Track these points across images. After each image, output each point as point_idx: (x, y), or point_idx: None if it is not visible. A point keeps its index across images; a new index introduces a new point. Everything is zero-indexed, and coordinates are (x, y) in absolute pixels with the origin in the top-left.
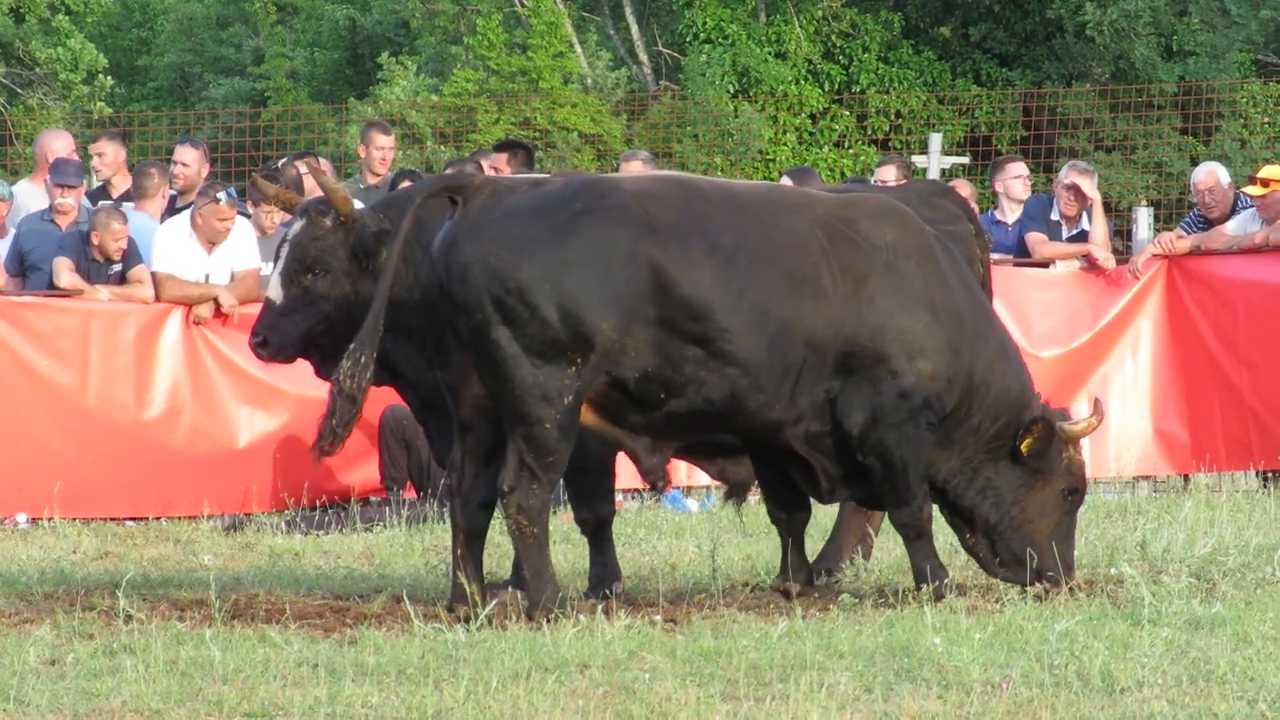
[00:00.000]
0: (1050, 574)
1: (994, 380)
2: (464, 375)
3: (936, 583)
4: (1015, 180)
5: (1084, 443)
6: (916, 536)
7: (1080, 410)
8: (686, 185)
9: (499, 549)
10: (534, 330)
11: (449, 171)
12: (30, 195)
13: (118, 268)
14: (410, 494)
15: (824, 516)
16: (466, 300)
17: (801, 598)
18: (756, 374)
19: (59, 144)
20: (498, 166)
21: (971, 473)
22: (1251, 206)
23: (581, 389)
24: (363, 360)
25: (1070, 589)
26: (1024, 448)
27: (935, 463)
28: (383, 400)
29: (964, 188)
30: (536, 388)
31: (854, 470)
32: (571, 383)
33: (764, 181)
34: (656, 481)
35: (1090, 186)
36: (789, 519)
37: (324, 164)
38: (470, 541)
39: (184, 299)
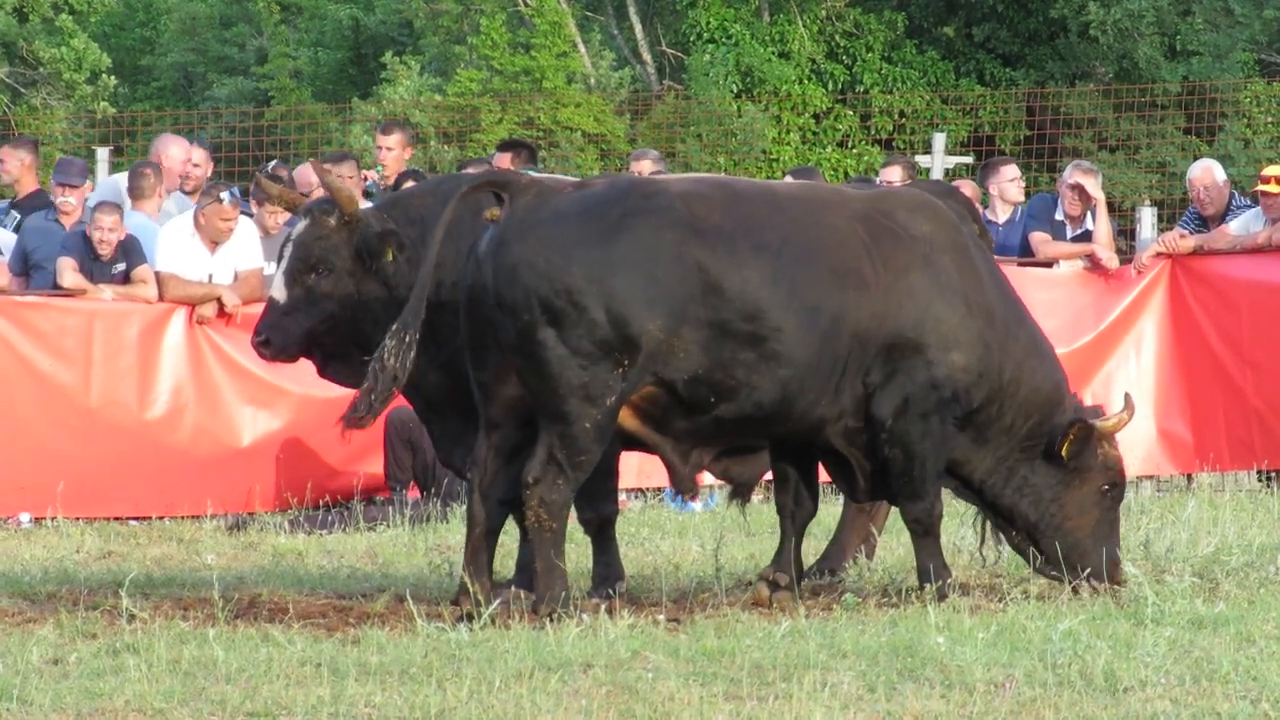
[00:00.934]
0: (1094, 573)
1: (1024, 378)
2: (500, 376)
3: (940, 582)
4: (1010, 183)
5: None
6: (925, 534)
7: (1115, 405)
8: (729, 186)
9: (501, 548)
10: (581, 331)
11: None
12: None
13: (121, 267)
14: (413, 494)
15: (827, 516)
16: (514, 301)
17: (787, 592)
18: (806, 373)
19: (175, 149)
20: (500, 166)
21: (1008, 472)
22: (1254, 206)
23: (625, 390)
24: (407, 339)
25: (1117, 586)
26: (1063, 452)
27: (970, 461)
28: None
29: (967, 187)
30: (581, 388)
31: (884, 467)
32: (616, 384)
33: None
34: (687, 490)
35: (1094, 186)
36: (796, 511)
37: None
38: (485, 538)
39: (187, 299)
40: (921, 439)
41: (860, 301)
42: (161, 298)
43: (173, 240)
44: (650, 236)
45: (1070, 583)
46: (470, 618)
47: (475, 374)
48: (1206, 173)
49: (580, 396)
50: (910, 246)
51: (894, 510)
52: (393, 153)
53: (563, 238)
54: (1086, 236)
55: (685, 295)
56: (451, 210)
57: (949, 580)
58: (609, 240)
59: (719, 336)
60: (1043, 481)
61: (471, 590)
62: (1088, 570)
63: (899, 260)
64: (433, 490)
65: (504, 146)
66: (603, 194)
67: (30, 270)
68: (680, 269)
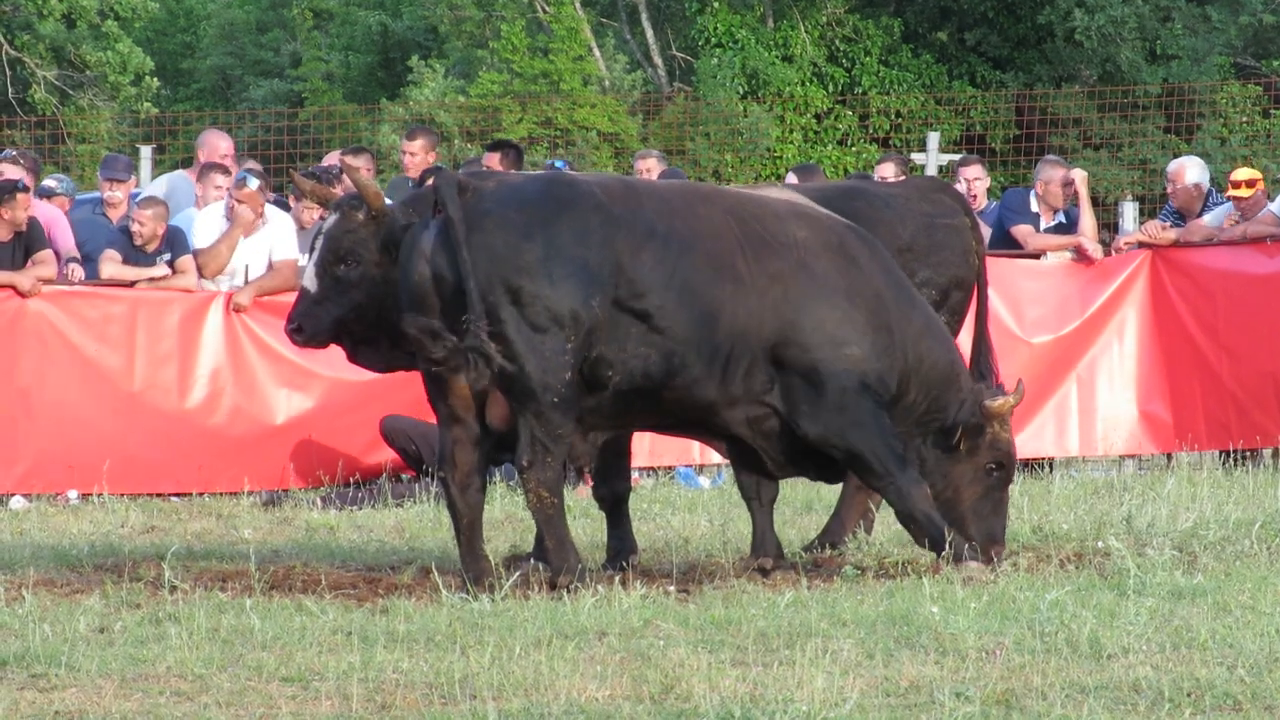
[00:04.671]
0: (970, 545)
1: (925, 356)
2: (452, 368)
3: (946, 545)
4: (978, 181)
5: (1072, 422)
6: (910, 519)
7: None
8: (627, 181)
9: (522, 523)
10: (538, 308)
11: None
12: (182, 187)
13: (166, 257)
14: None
15: (828, 493)
16: (478, 284)
17: (778, 571)
18: (687, 349)
19: (223, 144)
20: (489, 165)
21: (901, 445)
22: (1224, 202)
23: (576, 365)
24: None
25: (994, 563)
26: (962, 447)
27: None
28: (381, 408)
29: (974, 168)
30: (541, 363)
31: (799, 451)
32: (570, 358)
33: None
34: (584, 466)
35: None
36: (759, 493)
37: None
38: (471, 526)
39: (220, 267)
40: (850, 429)
41: (735, 295)
42: (202, 275)
43: (207, 226)
44: (582, 220)
45: (941, 555)
46: (492, 589)
47: (426, 367)
48: (1180, 168)
49: (541, 370)
50: (782, 252)
51: None
52: (416, 158)
53: (515, 223)
54: (1060, 229)
55: (609, 275)
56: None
57: (952, 540)
58: (552, 224)
59: (618, 314)
60: (932, 456)
61: (489, 566)
62: (969, 543)
63: (772, 264)
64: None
65: (493, 147)
66: (535, 184)
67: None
68: (604, 251)
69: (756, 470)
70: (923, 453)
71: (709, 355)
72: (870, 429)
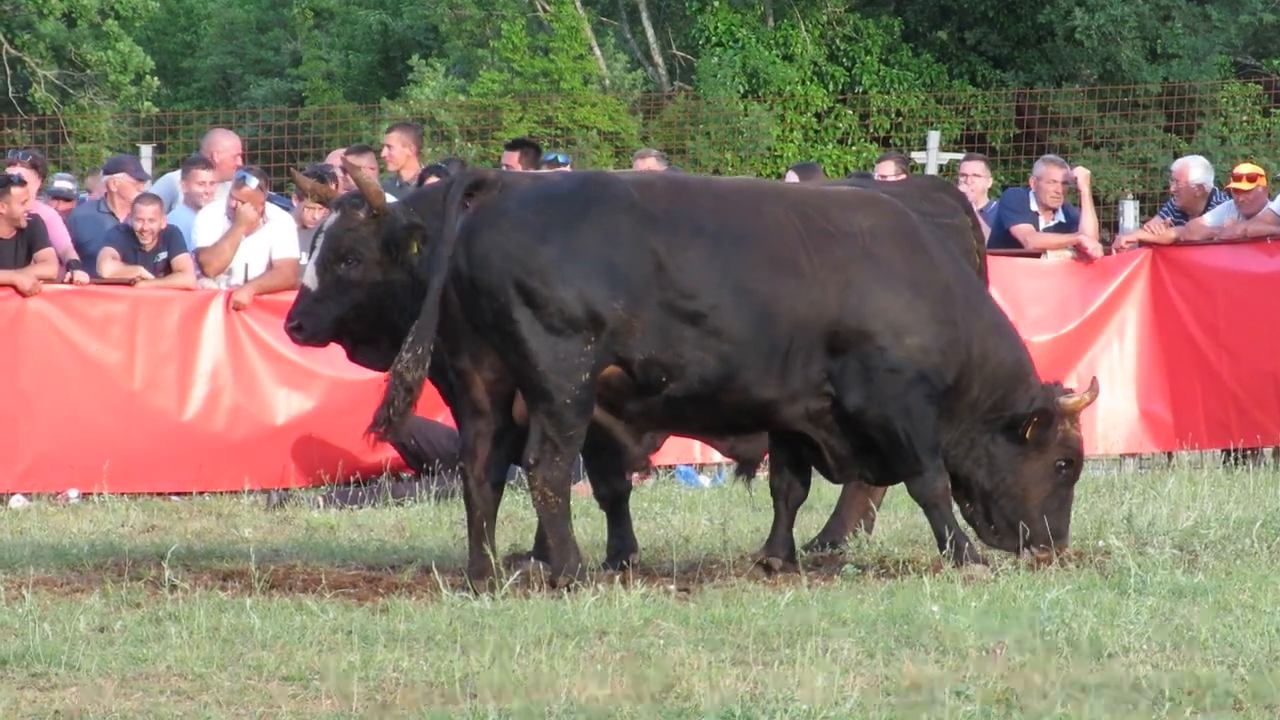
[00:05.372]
0: (1040, 543)
1: (989, 354)
2: (477, 361)
3: (958, 545)
4: (977, 178)
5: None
6: (933, 506)
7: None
8: (674, 178)
9: (522, 523)
10: (552, 310)
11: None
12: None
13: (164, 255)
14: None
15: (829, 492)
16: (489, 284)
17: (784, 572)
18: (746, 351)
19: (228, 143)
20: (509, 164)
21: (970, 442)
22: (1228, 200)
23: (596, 367)
24: (420, 352)
25: (1060, 559)
26: (1027, 435)
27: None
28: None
29: (976, 164)
30: (557, 364)
31: (861, 447)
32: (588, 360)
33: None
34: (641, 469)
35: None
36: (788, 494)
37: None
38: (484, 520)
39: (223, 264)
40: (898, 419)
41: (796, 289)
42: (203, 274)
43: (208, 225)
44: (609, 220)
45: (1017, 553)
46: (492, 587)
47: (452, 362)
48: (1184, 167)
49: (556, 371)
50: (846, 242)
51: (892, 486)
52: (393, 150)
53: (532, 223)
54: (1060, 228)
55: (642, 277)
56: (452, 221)
57: (967, 544)
58: (574, 224)
59: (667, 316)
60: (1000, 454)
61: (492, 562)
62: (1028, 537)
63: (835, 254)
64: (457, 467)
65: (512, 146)
66: (563, 184)
67: (84, 259)
68: (636, 251)
69: (820, 469)
70: (991, 449)
71: (768, 353)
72: (916, 418)
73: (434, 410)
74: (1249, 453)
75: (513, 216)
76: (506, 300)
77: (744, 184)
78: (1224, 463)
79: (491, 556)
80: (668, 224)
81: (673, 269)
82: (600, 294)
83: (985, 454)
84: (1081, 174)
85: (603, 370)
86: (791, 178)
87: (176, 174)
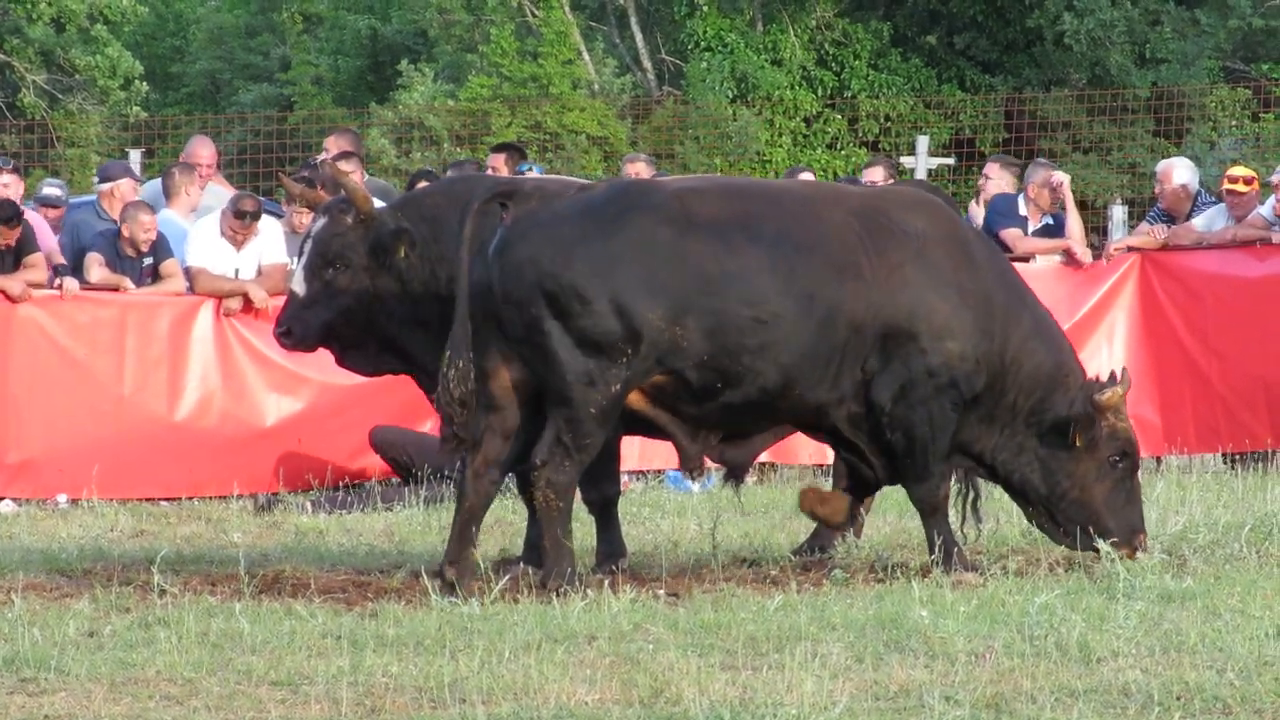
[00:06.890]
0: (1113, 539)
1: (1025, 359)
2: (503, 359)
3: (949, 550)
4: (989, 180)
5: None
6: (932, 512)
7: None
8: (728, 183)
9: (511, 528)
10: (585, 323)
11: (451, 174)
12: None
13: (149, 261)
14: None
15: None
16: (521, 297)
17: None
18: (806, 360)
19: (205, 151)
20: (495, 166)
21: (1017, 447)
22: (1219, 203)
23: (630, 379)
24: (462, 365)
25: (1135, 552)
26: (1077, 442)
27: (980, 439)
28: (370, 412)
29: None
30: (585, 375)
31: (888, 451)
32: (620, 372)
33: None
34: (695, 469)
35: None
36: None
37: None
38: (471, 514)
39: (216, 292)
40: (921, 424)
41: (856, 292)
42: (193, 291)
43: (202, 237)
44: (648, 231)
45: (1095, 552)
46: (453, 587)
47: (477, 359)
48: (1167, 169)
49: (584, 383)
50: (903, 242)
51: (880, 491)
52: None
53: (565, 236)
54: (1047, 231)
55: (685, 288)
56: (472, 226)
57: (957, 551)
58: (609, 236)
59: (723, 325)
60: (1050, 455)
61: (471, 557)
62: (1109, 539)
63: (893, 255)
64: (445, 473)
65: (497, 149)
66: (601, 194)
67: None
68: (676, 262)
69: (867, 473)
70: (1040, 453)
71: (826, 358)
72: (939, 424)
73: (418, 420)
74: (1239, 457)
75: (547, 228)
76: (538, 313)
77: (801, 187)
78: (1230, 467)
79: (473, 557)
80: (718, 232)
81: (726, 278)
82: (636, 307)
83: (1035, 458)
84: (1062, 179)
85: (645, 381)
86: None
87: (154, 181)
